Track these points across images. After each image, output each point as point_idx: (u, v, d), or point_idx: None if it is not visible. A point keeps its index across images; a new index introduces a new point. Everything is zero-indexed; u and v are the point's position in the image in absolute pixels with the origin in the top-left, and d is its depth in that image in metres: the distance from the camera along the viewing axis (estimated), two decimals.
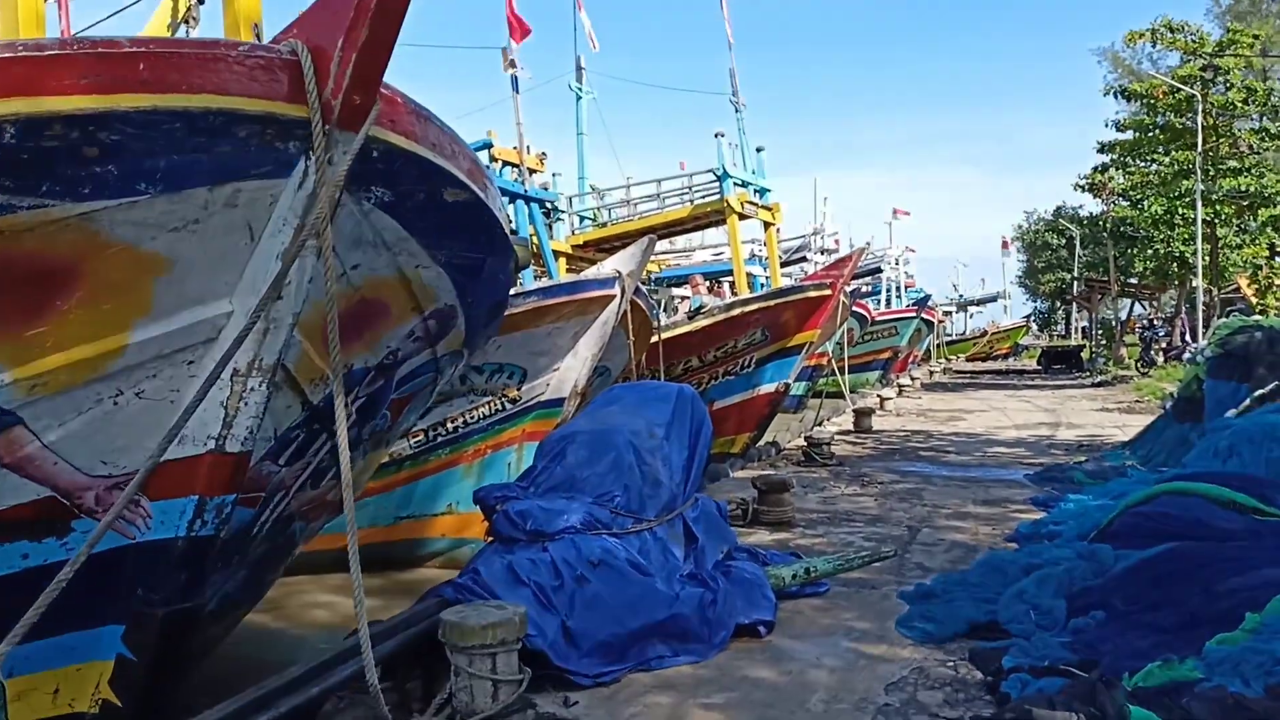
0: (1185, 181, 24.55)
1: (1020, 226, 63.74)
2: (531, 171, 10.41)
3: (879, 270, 36.37)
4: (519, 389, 9.56)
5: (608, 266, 9.57)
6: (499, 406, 9.56)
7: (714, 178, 14.50)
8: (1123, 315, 36.20)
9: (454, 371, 5.34)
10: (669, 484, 6.45)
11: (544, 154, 10.75)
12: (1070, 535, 7.21)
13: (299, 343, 3.77)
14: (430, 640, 4.39)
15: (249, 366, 3.48)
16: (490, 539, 5.70)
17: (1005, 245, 59.89)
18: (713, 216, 15.13)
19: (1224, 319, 12.63)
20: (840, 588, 6.33)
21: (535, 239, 11.02)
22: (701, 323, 13.25)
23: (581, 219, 16.45)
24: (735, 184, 14.53)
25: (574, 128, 17.16)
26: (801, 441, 14.07)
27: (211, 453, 3.56)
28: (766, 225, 15.48)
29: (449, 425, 9.41)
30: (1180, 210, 24.82)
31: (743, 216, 14.57)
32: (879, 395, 21.54)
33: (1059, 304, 61.31)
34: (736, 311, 13.47)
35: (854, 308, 23.53)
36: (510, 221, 6.81)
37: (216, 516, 3.72)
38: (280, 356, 3.58)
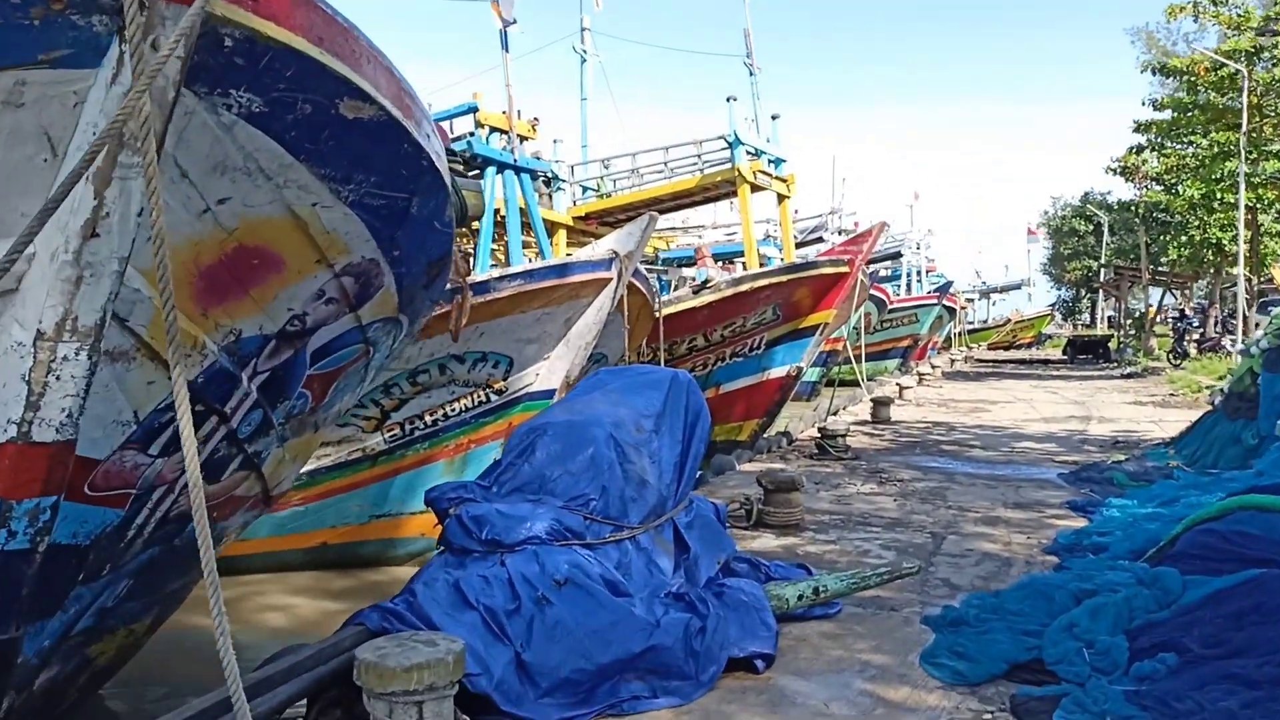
0: (1226, 164, 23.27)
1: (1046, 212, 62.17)
2: (522, 139, 9.43)
3: (899, 255, 35.15)
4: (505, 379, 8.67)
5: (603, 246, 8.64)
6: (483, 398, 8.67)
7: (725, 145, 13.47)
8: (1153, 304, 34.93)
9: (394, 343, 4.42)
10: (657, 485, 5.56)
11: (536, 119, 9.80)
12: (1120, 550, 6.27)
13: (147, 299, 2.86)
14: (349, 679, 3.52)
15: (59, 328, 2.57)
16: (441, 548, 4.82)
17: (1031, 232, 58.32)
18: (723, 188, 14.10)
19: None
20: (854, 608, 5.43)
21: (526, 213, 10.08)
22: (707, 298, 12.26)
23: (584, 190, 15.48)
24: (748, 152, 13.50)
25: (577, 94, 16.16)
26: (815, 432, 13.13)
27: (13, 442, 2.66)
28: (780, 198, 14.43)
29: (427, 418, 8.53)
30: (1219, 194, 23.56)
31: (755, 188, 13.53)
32: (898, 384, 20.51)
33: (1084, 292, 59.76)
34: (746, 287, 12.45)
35: (872, 290, 22.49)
36: (461, 165, 5.92)
37: (30, 525, 2.82)
38: (106, 315, 2.67)
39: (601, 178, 15.40)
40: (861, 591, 5.37)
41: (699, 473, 10.55)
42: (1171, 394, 19.90)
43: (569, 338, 8.56)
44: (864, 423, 15.32)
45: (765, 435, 13.62)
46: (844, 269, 13.03)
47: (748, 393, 13.43)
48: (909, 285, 35.06)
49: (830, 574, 5.34)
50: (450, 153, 6.44)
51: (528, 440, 5.33)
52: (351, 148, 3.06)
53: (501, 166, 9.41)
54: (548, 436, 5.30)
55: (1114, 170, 30.79)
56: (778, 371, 13.37)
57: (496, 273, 7.88)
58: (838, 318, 14.26)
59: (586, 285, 8.37)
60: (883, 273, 33.91)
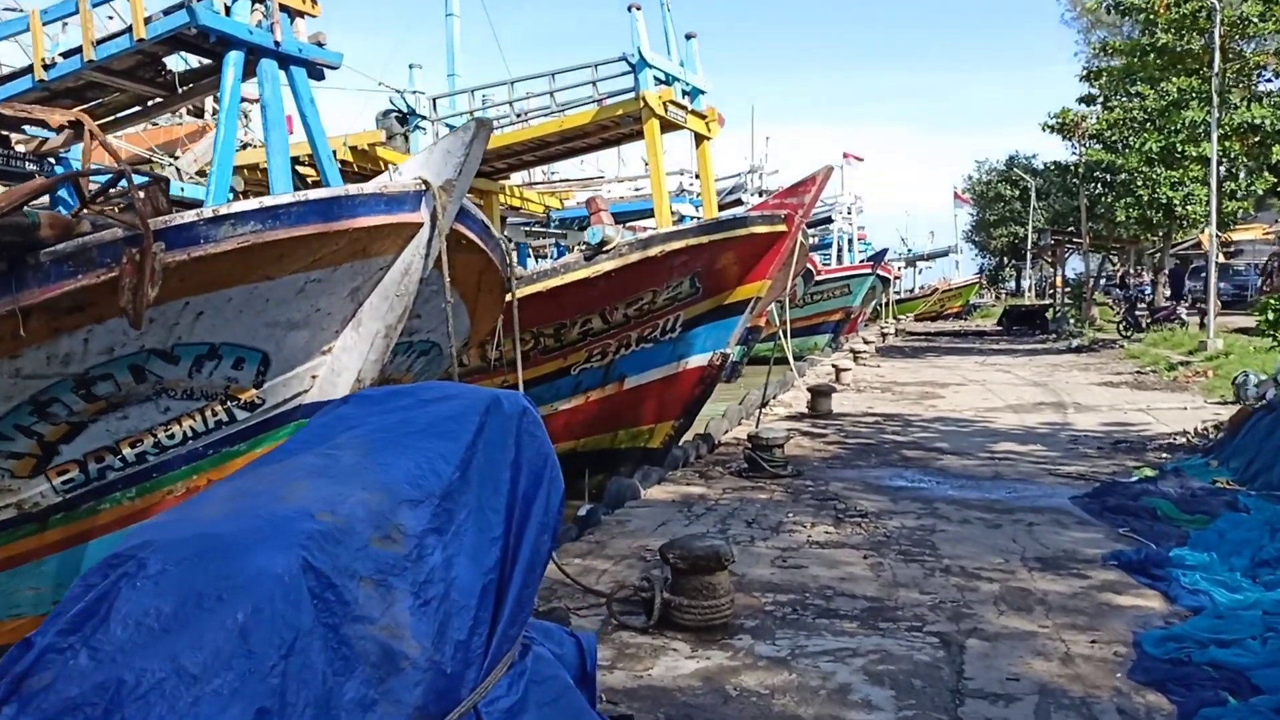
0: (1184, 114, 21.12)
1: (970, 177, 60.42)
2: (294, 14, 6.06)
3: (829, 220, 32.58)
4: (258, 385, 5.51)
5: (407, 171, 5.53)
6: (223, 416, 5.51)
7: (627, 67, 10.44)
8: (1092, 272, 33.12)
9: None
10: (431, 650, 2.66)
11: None
12: None
13: None
14: None
15: None
16: None
17: (958, 196, 56.46)
18: (626, 124, 11.08)
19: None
20: None
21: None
22: (605, 266, 9.26)
23: (451, 129, 12.29)
24: (656, 78, 10.49)
25: (443, 11, 12.85)
26: (742, 435, 10.30)
27: None
28: (699, 139, 11.47)
29: (127, 451, 5.32)
30: (1180, 147, 21.41)
31: (667, 125, 10.55)
32: (835, 365, 17.89)
33: (1009, 260, 58.36)
34: (655, 251, 9.43)
35: None
36: None
37: None
38: None
39: (473, 113, 12.23)
40: None
41: (562, 525, 7.44)
42: (1139, 371, 17.68)
43: (360, 319, 5.44)
44: (800, 417, 12.59)
45: (681, 442, 10.71)
46: (781, 227, 10.18)
47: (660, 387, 10.49)
48: (839, 254, 32.57)
49: None
50: None
51: (102, 590, 2.30)
52: None
53: (254, 53, 5.88)
54: (145, 581, 2.29)
55: (1051, 127, 28.64)
56: (698, 360, 10.44)
57: (210, 211, 4.68)
58: (772, 290, 11.38)
59: (380, 234, 5.25)
60: (811, 240, 31.33)
